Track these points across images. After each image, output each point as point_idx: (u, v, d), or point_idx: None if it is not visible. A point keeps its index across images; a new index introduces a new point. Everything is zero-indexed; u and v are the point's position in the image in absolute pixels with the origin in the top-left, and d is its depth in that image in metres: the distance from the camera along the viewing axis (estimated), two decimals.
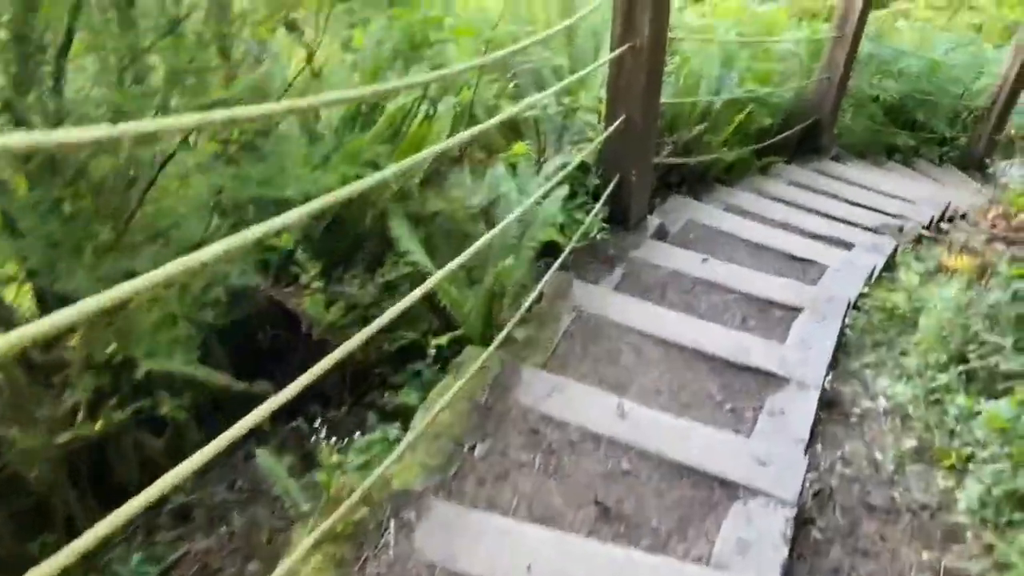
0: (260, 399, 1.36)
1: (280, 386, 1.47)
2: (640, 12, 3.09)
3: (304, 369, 1.50)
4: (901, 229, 4.53)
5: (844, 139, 6.28)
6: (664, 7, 3.16)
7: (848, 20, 5.24)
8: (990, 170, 6.50)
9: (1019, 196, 2.70)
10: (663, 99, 3.97)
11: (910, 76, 6.48)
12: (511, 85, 4.00)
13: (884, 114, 6.58)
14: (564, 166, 3.43)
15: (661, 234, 3.78)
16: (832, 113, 5.67)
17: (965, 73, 7.12)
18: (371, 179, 1.78)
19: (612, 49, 3.24)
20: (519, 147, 3.46)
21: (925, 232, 4.62)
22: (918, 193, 5.36)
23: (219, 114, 1.21)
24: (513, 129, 3.86)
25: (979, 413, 2.31)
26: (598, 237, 3.41)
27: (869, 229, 4.44)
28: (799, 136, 5.52)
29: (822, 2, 8.43)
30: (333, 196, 1.50)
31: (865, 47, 5.88)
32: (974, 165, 7.11)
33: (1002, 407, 2.09)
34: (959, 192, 5.90)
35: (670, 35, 3.64)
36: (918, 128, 6.81)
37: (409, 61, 3.12)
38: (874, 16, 5.78)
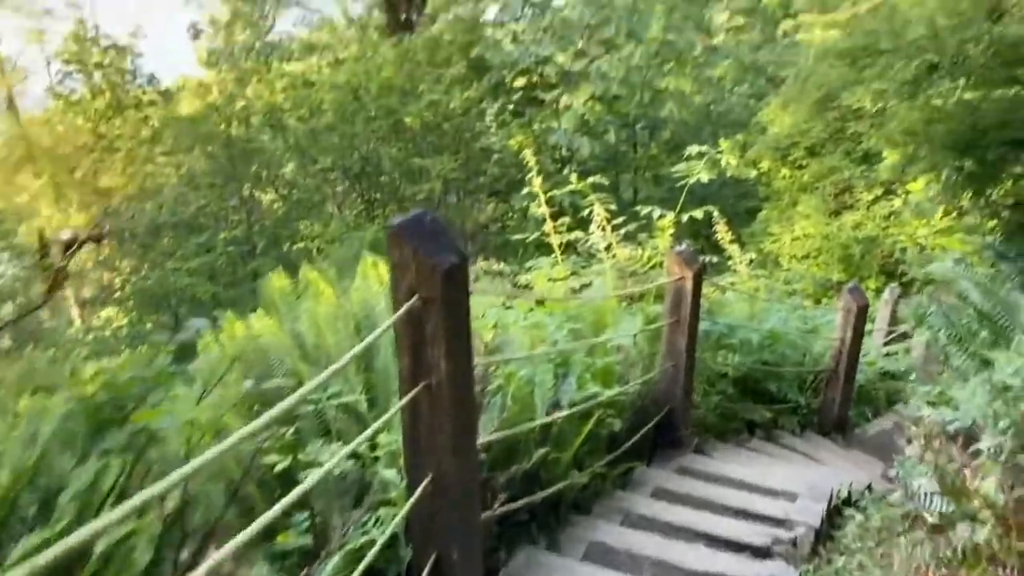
0: None
1: None
2: (431, 345, 2.33)
3: None
4: (794, 543, 3.76)
5: (702, 421, 5.74)
6: (462, 334, 2.42)
7: (681, 304, 4.88)
8: (857, 431, 6.18)
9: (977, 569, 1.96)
10: (490, 434, 3.17)
11: (751, 347, 6.24)
12: (288, 433, 3.06)
13: (735, 387, 6.20)
14: (357, 553, 2.46)
15: None
16: (685, 399, 5.13)
17: (801, 338, 7.05)
18: None
19: (402, 393, 2.42)
20: (282, 537, 2.43)
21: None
22: (796, 480, 4.72)
23: None
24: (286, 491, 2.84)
25: None
26: None
27: (759, 552, 3.63)
28: (654, 431, 4.87)
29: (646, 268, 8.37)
30: None
31: (702, 324, 5.57)
32: (833, 428, 6.81)
33: None
34: (836, 470, 5.37)
35: (489, 354, 2.94)
36: (771, 399, 6.46)
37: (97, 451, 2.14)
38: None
